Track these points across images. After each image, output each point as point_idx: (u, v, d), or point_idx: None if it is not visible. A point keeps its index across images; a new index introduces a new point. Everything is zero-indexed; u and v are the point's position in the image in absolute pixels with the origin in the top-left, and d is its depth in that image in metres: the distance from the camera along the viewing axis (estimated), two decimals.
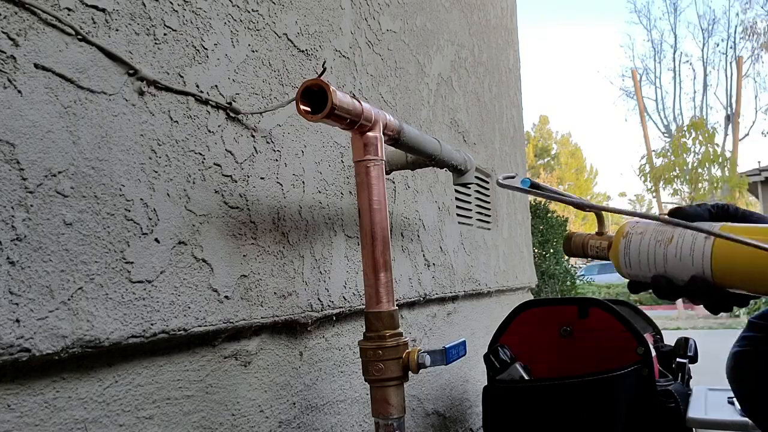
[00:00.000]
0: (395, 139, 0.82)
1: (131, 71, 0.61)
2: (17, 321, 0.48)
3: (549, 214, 5.80)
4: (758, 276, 0.58)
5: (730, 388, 0.86)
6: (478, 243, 1.77)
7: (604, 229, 0.74)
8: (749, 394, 0.83)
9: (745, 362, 0.83)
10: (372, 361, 0.71)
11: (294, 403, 0.85)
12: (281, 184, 0.84)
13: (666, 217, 0.64)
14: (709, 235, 0.60)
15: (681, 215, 0.65)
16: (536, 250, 5.54)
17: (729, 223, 0.62)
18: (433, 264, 1.38)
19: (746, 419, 1.17)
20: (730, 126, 15.12)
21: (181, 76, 0.68)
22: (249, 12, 0.81)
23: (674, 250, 0.63)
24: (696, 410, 1.22)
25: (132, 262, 0.59)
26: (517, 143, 2.50)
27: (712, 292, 0.61)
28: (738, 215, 0.67)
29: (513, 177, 0.68)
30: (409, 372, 0.72)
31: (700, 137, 10.34)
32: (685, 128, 11.15)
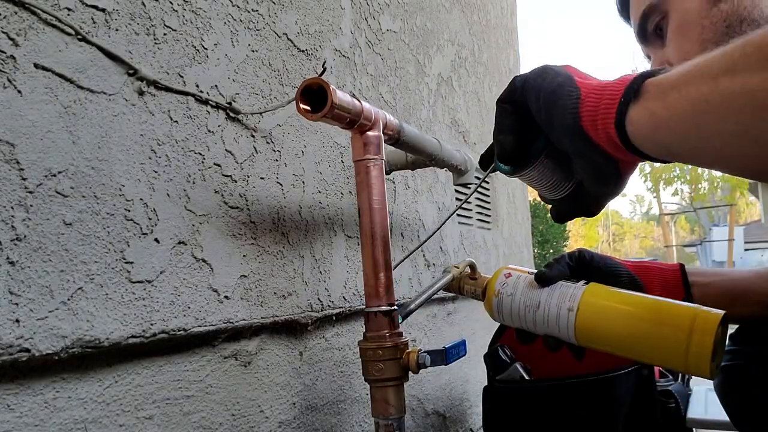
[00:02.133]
0: (395, 138, 0.82)
1: (131, 71, 0.61)
2: (17, 321, 0.48)
3: (549, 214, 5.80)
4: (616, 344, 0.63)
5: None
6: (478, 243, 1.77)
7: (476, 275, 0.79)
8: (744, 409, 0.81)
9: (738, 378, 0.80)
10: (372, 361, 0.71)
11: (294, 403, 0.85)
12: (281, 184, 0.84)
13: (531, 281, 0.70)
14: (571, 309, 0.65)
15: (544, 280, 0.68)
16: (536, 250, 5.55)
17: (593, 284, 0.67)
18: (433, 264, 1.38)
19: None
20: None
21: (181, 76, 0.68)
22: (249, 12, 0.81)
23: (542, 317, 0.68)
24: (696, 410, 1.22)
25: (132, 262, 0.59)
26: None
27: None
28: (593, 263, 0.75)
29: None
30: (409, 372, 0.72)
31: None
32: None
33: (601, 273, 0.74)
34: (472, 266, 0.79)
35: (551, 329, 0.67)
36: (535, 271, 0.71)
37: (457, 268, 0.78)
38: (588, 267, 0.74)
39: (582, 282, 0.67)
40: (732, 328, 0.80)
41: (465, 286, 0.78)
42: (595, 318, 0.63)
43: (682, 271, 0.79)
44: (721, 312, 0.57)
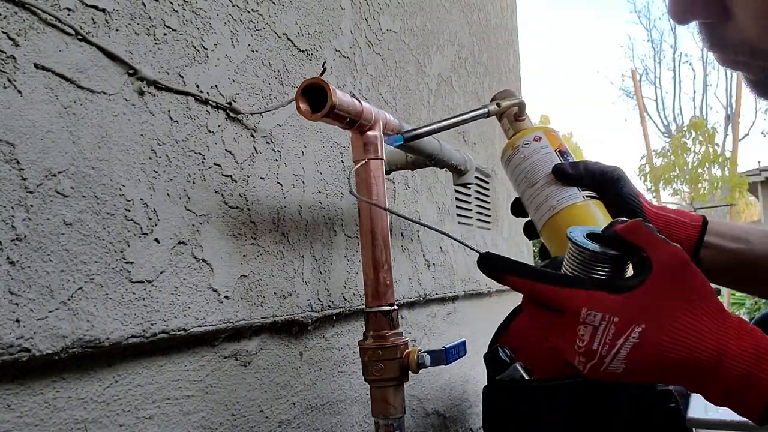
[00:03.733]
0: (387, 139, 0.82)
1: (131, 71, 0.61)
2: (17, 321, 0.48)
3: None
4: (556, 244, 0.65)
5: None
6: (478, 243, 1.77)
7: (522, 117, 0.74)
8: None
9: None
10: (372, 361, 0.71)
11: (294, 403, 0.85)
12: (281, 184, 0.84)
13: (548, 161, 0.69)
14: (553, 209, 0.67)
15: (560, 175, 0.68)
16: (536, 250, 5.55)
17: (593, 203, 0.67)
18: (433, 264, 1.38)
19: (747, 419, 1.17)
20: (730, 126, 15.13)
21: (181, 76, 0.68)
22: (249, 12, 0.81)
23: (531, 194, 0.69)
24: (696, 410, 1.22)
25: (132, 262, 0.59)
26: None
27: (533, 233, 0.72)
28: (616, 187, 0.70)
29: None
30: (409, 372, 0.72)
31: (700, 137, 10.34)
32: (685, 128, 11.15)
33: (616, 198, 0.69)
34: (521, 106, 0.73)
35: (529, 207, 0.69)
36: (558, 161, 0.68)
37: (498, 105, 0.73)
38: (610, 186, 0.69)
39: (585, 194, 0.66)
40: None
41: (505, 121, 0.74)
42: (561, 228, 0.63)
43: (701, 231, 0.70)
44: None
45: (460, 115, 0.73)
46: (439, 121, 0.71)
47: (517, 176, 0.70)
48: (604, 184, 0.68)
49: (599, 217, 0.65)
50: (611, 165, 0.70)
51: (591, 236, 0.52)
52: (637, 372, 0.47)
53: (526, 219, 0.74)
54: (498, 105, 0.73)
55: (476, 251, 0.55)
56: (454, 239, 0.61)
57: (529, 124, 0.73)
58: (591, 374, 0.49)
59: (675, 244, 0.49)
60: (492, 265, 0.52)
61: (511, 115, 0.73)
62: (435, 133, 0.72)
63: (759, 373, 0.44)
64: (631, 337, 0.46)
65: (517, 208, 0.74)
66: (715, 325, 0.46)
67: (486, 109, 0.73)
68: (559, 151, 0.69)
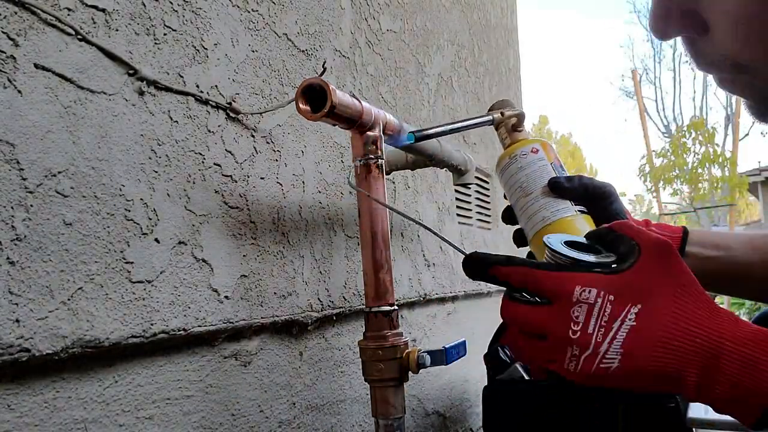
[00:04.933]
0: (395, 138, 0.82)
1: (131, 71, 0.61)
2: (17, 321, 0.48)
3: None
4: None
5: None
6: (478, 243, 1.77)
7: (520, 128, 0.76)
8: None
9: None
10: (372, 361, 0.71)
11: (294, 403, 0.85)
12: (281, 184, 0.84)
13: (544, 174, 0.70)
14: (545, 220, 0.68)
15: (556, 189, 0.69)
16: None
17: (583, 217, 0.68)
18: (433, 264, 1.38)
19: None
20: (730, 126, 15.11)
21: (181, 76, 0.68)
22: (249, 12, 0.81)
23: (523, 205, 0.70)
24: (696, 410, 1.22)
25: (132, 262, 0.59)
26: None
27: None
28: (604, 203, 0.72)
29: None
30: (409, 372, 0.72)
31: (700, 137, 10.33)
32: (685, 128, 11.14)
33: (604, 212, 0.70)
34: (520, 117, 0.76)
35: (521, 217, 0.71)
36: (553, 175, 0.70)
37: (502, 114, 0.75)
38: (600, 200, 0.70)
39: (578, 209, 0.68)
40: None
41: (502, 130, 0.76)
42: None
43: (682, 241, 0.72)
44: None
45: (465, 120, 0.76)
46: (447, 124, 0.75)
47: (512, 185, 0.72)
48: (596, 198, 0.70)
49: (588, 231, 0.66)
50: (603, 182, 0.73)
51: (568, 244, 0.53)
52: (633, 368, 0.45)
53: (516, 227, 0.75)
54: (502, 114, 0.75)
55: (462, 252, 0.53)
56: (446, 241, 0.61)
57: (527, 135, 0.75)
58: (582, 375, 0.46)
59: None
60: (482, 261, 0.51)
61: (510, 125, 0.75)
62: (444, 135, 0.75)
63: (764, 357, 0.42)
64: (627, 320, 0.45)
65: (509, 216, 0.76)
66: (708, 312, 0.45)
67: (491, 117, 0.75)
68: (554, 165, 0.71)
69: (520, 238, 0.75)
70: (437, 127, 0.75)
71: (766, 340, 0.43)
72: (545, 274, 0.48)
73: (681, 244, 0.72)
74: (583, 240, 0.55)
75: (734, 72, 0.37)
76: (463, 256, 0.52)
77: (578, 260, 0.49)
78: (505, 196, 0.76)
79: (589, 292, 0.46)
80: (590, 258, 0.50)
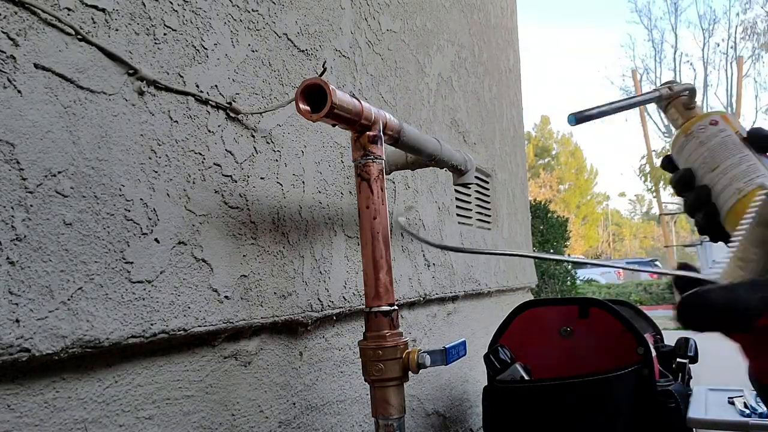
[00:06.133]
0: (395, 138, 0.82)
1: (131, 71, 0.61)
2: (17, 321, 0.48)
3: (549, 214, 5.80)
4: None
5: (729, 388, 0.85)
6: (478, 243, 1.76)
7: (692, 105, 0.68)
8: None
9: None
10: (372, 361, 0.71)
11: (294, 403, 0.85)
12: (281, 184, 0.84)
13: (729, 142, 0.62)
14: (740, 191, 0.57)
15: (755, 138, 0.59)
16: (536, 250, 5.55)
17: None
18: (433, 264, 1.38)
19: (746, 419, 1.17)
20: None
21: (181, 76, 0.68)
22: (249, 12, 0.81)
23: (710, 180, 0.62)
24: (696, 410, 1.22)
25: (132, 262, 0.59)
26: (517, 143, 2.50)
27: (712, 220, 0.58)
28: None
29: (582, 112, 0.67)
30: (409, 372, 0.72)
31: None
32: None
33: None
34: (692, 93, 0.69)
35: (713, 195, 0.61)
36: (739, 142, 0.61)
37: (670, 89, 0.69)
38: None
39: None
40: None
41: (672, 109, 0.70)
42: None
43: None
44: None
45: (631, 98, 0.70)
46: (610, 103, 0.70)
47: (695, 161, 0.64)
48: None
49: None
50: None
51: None
52: None
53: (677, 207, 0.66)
54: (670, 89, 0.68)
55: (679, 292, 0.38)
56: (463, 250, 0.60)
57: (700, 112, 0.68)
58: None
59: None
60: (730, 310, 0.34)
61: (680, 104, 0.69)
62: (607, 114, 0.69)
63: None
64: None
65: (684, 183, 0.64)
66: None
67: (658, 93, 0.69)
68: (739, 135, 0.63)
69: (708, 222, 0.61)
70: (600, 107, 0.69)
71: None
72: None
73: None
74: None
75: None
76: (677, 299, 0.35)
77: None
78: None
79: None
80: None
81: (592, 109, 0.68)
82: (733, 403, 1.28)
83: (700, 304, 0.32)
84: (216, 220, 0.71)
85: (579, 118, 0.68)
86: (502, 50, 2.35)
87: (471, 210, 1.76)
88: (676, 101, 0.69)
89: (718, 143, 0.64)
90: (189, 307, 0.66)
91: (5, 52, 0.49)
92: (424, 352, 0.72)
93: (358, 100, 0.71)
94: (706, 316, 0.32)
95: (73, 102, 0.55)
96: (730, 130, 0.64)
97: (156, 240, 0.62)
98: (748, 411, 1.18)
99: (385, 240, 0.74)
